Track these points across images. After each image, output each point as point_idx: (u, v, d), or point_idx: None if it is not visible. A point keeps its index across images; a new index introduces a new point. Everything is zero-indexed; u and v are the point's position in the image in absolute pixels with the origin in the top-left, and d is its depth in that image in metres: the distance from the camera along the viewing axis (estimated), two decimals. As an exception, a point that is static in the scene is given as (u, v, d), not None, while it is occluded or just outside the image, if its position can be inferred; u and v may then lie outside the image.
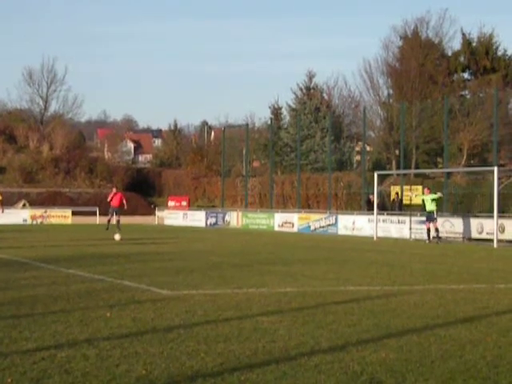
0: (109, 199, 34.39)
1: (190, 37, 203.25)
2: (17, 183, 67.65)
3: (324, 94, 63.80)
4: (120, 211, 33.95)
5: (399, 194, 39.18)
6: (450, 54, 56.64)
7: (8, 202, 53.56)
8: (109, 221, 34.53)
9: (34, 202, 57.79)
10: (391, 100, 56.79)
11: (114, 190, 35.14)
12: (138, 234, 33.66)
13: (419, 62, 54.19)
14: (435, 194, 31.13)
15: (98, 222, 48.88)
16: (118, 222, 33.36)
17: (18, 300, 10.99)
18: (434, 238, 30.78)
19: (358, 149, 60.34)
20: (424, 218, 31.86)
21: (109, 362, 6.95)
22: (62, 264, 17.20)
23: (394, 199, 39.56)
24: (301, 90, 63.10)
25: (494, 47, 55.23)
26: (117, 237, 27.77)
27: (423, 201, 31.63)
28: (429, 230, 30.95)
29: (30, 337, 8.12)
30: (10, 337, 8.13)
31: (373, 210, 35.35)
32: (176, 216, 53.05)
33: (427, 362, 7.15)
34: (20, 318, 9.31)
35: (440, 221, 31.87)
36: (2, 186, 60.27)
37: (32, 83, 78.39)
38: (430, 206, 30.84)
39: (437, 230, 30.72)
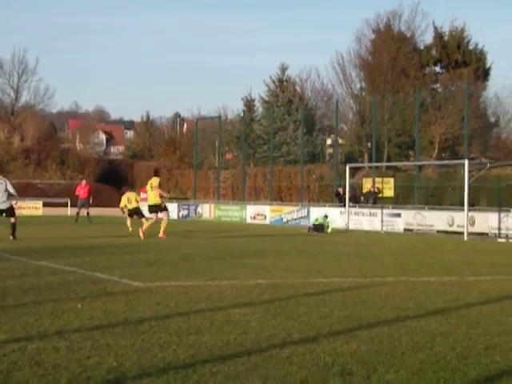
0: (77, 193, 34.10)
1: (162, 29, 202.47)
2: (-13, 174, 66.96)
3: (297, 87, 63.92)
4: (88, 203, 33.74)
5: (379, 188, 39.32)
6: (421, 47, 56.98)
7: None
8: (78, 213, 34.33)
9: (4, 194, 57.21)
10: (363, 93, 57.02)
11: (84, 182, 34.90)
12: (110, 226, 33.50)
13: (391, 56, 54.45)
14: None
15: (69, 214, 48.56)
16: (88, 213, 33.19)
17: (-13, 292, 10.89)
18: None
19: (330, 141, 60.56)
20: (395, 211, 32.19)
21: (80, 354, 6.90)
22: (33, 256, 17.06)
23: (369, 191, 39.62)
24: (273, 82, 63.10)
25: (466, 41, 55.63)
26: (87, 228, 27.67)
27: None
28: None
29: (0, 329, 8.04)
30: (-21, 329, 8.05)
31: (341, 202, 35.48)
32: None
33: (398, 353, 7.18)
34: (-10, 310, 9.22)
35: (411, 213, 32.06)
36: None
37: (3, 73, 77.57)
38: None
39: None
